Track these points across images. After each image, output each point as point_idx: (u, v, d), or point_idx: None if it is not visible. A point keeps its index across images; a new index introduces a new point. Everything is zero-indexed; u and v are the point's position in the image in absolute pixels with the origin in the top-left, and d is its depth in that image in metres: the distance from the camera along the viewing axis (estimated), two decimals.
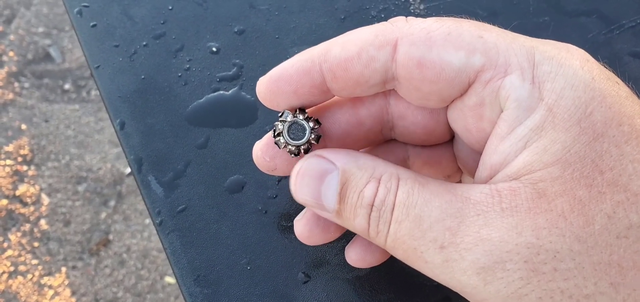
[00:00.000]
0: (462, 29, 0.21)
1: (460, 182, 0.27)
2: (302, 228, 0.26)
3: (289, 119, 0.24)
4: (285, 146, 0.24)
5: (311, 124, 0.24)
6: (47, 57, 1.52)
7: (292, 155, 0.24)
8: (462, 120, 0.22)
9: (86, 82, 1.48)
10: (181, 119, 0.33)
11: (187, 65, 0.35)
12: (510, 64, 0.20)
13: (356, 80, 0.22)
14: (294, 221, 0.26)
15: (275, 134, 0.24)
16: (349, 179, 0.22)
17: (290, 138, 0.24)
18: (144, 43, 0.36)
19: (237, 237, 0.30)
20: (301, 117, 0.24)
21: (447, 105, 0.23)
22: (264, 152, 0.25)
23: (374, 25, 0.22)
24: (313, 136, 0.24)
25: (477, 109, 0.21)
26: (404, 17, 0.22)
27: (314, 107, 0.25)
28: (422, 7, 0.37)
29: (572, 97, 0.19)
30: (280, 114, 0.24)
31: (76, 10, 0.37)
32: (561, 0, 0.37)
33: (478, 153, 0.23)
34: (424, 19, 0.22)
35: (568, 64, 0.20)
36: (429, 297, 0.28)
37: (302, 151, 0.24)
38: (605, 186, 0.18)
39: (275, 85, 0.23)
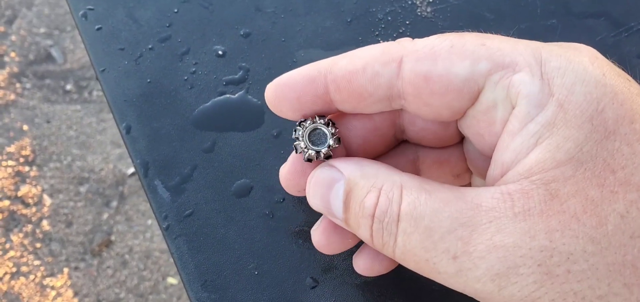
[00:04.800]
0: (464, 40, 0.21)
1: (469, 184, 0.27)
2: (320, 237, 0.26)
3: (308, 124, 0.24)
4: (303, 151, 0.24)
5: (331, 130, 0.24)
6: (49, 57, 1.52)
7: (308, 160, 0.24)
8: (474, 127, 0.22)
9: (88, 82, 1.48)
10: (187, 123, 0.33)
11: (193, 69, 0.35)
12: (517, 63, 0.20)
13: (360, 94, 0.22)
14: (311, 231, 0.26)
15: (294, 137, 0.24)
16: (353, 189, 0.22)
17: (311, 143, 0.24)
18: (150, 46, 0.36)
19: (244, 241, 0.29)
20: (321, 122, 0.24)
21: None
22: (292, 173, 0.25)
23: (382, 43, 0.23)
24: (333, 141, 0.24)
25: (490, 112, 0.21)
26: (410, 38, 0.23)
27: (332, 115, 0.25)
28: (429, 9, 0.37)
29: (583, 93, 0.19)
30: (298, 122, 0.24)
31: (81, 13, 0.37)
32: (569, 2, 0.37)
33: (488, 157, 0.23)
34: (428, 37, 0.22)
35: (577, 61, 0.20)
36: None
37: (323, 156, 0.24)
38: (618, 185, 0.18)
39: (281, 91, 0.24)
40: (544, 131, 0.19)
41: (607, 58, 0.21)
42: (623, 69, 0.21)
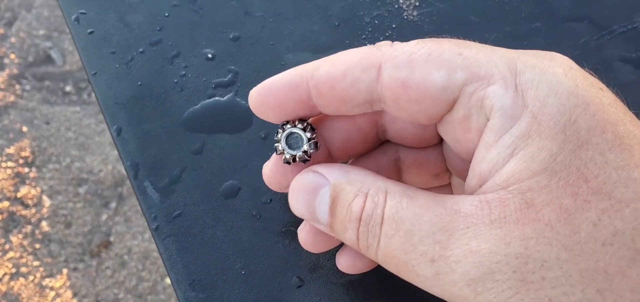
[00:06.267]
0: (442, 49, 0.21)
1: (449, 184, 0.28)
2: (306, 236, 0.26)
3: (287, 128, 0.24)
4: (282, 153, 0.25)
5: (308, 135, 0.24)
6: (48, 59, 1.53)
7: (286, 162, 0.25)
8: (451, 132, 0.23)
9: (87, 84, 1.49)
10: (177, 125, 0.33)
11: (183, 72, 0.35)
12: (492, 75, 0.20)
13: (341, 99, 0.23)
14: (298, 230, 0.27)
15: (276, 139, 0.25)
16: (339, 194, 0.22)
17: (288, 147, 0.24)
18: (141, 49, 0.36)
19: (232, 242, 0.30)
20: (299, 126, 0.24)
21: None
22: (274, 171, 0.26)
23: (362, 47, 0.23)
24: (308, 146, 0.24)
25: (464, 121, 0.22)
26: (389, 42, 0.23)
27: (315, 117, 0.26)
28: (415, 13, 0.38)
29: (556, 105, 0.19)
30: (281, 125, 0.25)
31: (73, 17, 0.38)
32: (553, 5, 0.38)
33: (465, 160, 0.23)
34: (407, 43, 0.22)
35: (551, 72, 0.20)
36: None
37: (298, 160, 0.24)
38: (590, 194, 0.19)
39: (264, 96, 0.24)
40: (519, 142, 0.20)
41: (584, 65, 0.22)
42: (599, 77, 0.22)
